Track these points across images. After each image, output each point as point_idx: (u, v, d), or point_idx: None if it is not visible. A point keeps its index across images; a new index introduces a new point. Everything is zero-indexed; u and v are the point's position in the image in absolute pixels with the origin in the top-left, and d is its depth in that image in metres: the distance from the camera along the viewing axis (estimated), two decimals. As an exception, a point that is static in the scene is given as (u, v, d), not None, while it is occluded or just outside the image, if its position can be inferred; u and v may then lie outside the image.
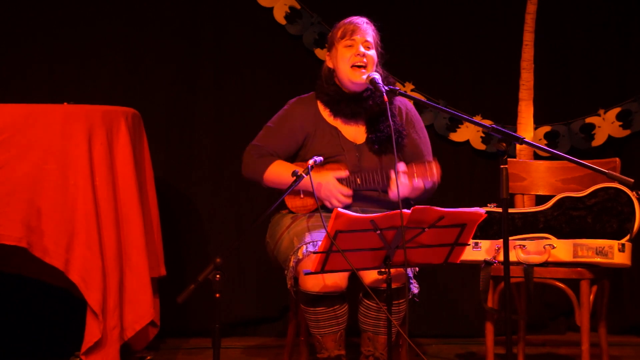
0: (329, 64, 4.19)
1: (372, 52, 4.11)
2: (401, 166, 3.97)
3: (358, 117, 4.17)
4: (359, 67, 4.07)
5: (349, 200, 4.05)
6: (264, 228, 4.25)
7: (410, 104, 4.27)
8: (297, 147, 4.18)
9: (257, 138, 4.22)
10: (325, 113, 4.19)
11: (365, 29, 4.13)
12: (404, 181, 3.95)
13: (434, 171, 3.96)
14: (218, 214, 5.39)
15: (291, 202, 4.13)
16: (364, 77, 4.04)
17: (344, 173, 4.07)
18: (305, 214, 4.10)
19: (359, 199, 4.11)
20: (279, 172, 4.12)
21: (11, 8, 5.26)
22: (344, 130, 4.17)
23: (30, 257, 4.16)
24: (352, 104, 4.14)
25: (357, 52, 4.08)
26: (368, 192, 4.12)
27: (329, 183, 4.04)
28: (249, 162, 4.19)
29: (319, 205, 3.94)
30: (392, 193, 3.99)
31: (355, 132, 4.17)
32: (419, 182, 4.01)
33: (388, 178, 4.01)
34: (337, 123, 4.18)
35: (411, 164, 3.98)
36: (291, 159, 4.19)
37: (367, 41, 4.11)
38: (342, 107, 4.15)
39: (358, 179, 4.06)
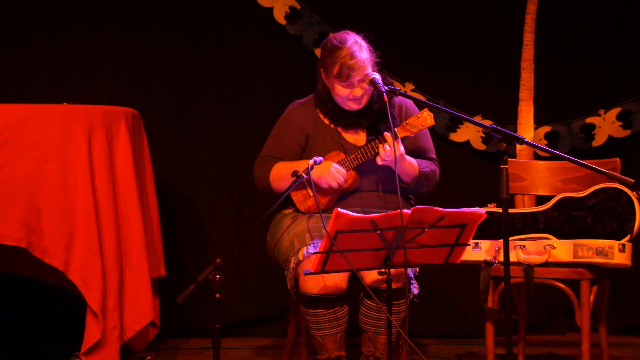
0: (324, 80, 4.10)
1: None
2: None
3: (358, 126, 4.15)
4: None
5: (341, 178, 4.00)
6: (265, 228, 4.25)
7: (409, 101, 4.24)
8: (302, 150, 4.17)
9: (262, 149, 4.22)
10: (325, 119, 4.18)
11: (362, 66, 3.95)
12: (398, 147, 3.91)
13: (425, 115, 3.95)
14: (218, 214, 5.38)
15: (303, 205, 4.11)
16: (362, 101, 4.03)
17: (343, 156, 4.06)
18: (306, 213, 4.10)
19: (359, 199, 4.11)
20: (279, 171, 4.11)
21: (11, 8, 5.25)
22: (345, 134, 4.16)
23: (30, 257, 4.16)
24: (351, 116, 4.12)
25: (353, 96, 4.01)
26: (368, 193, 4.12)
27: (325, 170, 4.00)
28: (257, 174, 4.18)
29: (317, 203, 3.94)
30: (380, 158, 3.94)
31: (355, 137, 4.16)
32: (412, 162, 4.02)
33: (384, 140, 3.97)
34: (337, 127, 4.17)
35: (403, 121, 3.98)
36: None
37: (365, 75, 3.97)
38: (341, 118, 4.13)
39: (359, 154, 4.03)
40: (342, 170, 4.01)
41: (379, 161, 3.95)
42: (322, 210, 4.00)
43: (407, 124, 3.97)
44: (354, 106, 4.07)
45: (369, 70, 3.99)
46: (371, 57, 4.03)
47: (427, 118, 3.97)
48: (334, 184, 4.00)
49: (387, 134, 3.93)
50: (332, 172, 3.99)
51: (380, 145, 3.95)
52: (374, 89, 3.99)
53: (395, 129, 3.95)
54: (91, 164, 4.20)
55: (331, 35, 4.11)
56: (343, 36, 4.04)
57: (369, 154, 4.01)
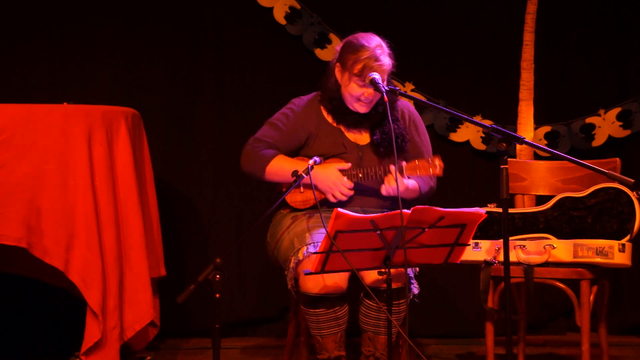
0: (337, 76, 4.12)
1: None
2: (404, 163, 3.97)
3: (361, 126, 4.16)
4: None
5: (350, 193, 4.04)
6: (265, 228, 4.25)
7: (411, 106, 4.26)
8: (299, 145, 4.17)
9: (258, 132, 4.21)
10: (328, 117, 4.18)
11: (383, 70, 4.00)
12: (402, 180, 3.94)
13: (437, 163, 3.96)
14: (218, 214, 5.39)
15: (291, 197, 4.12)
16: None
17: (347, 165, 4.07)
18: (306, 214, 4.10)
19: (359, 199, 4.11)
20: (280, 166, 4.11)
21: (11, 8, 5.25)
22: (347, 133, 4.16)
23: (30, 257, 4.16)
24: (356, 116, 4.12)
25: (365, 98, 4.03)
26: (368, 193, 4.12)
27: (332, 174, 4.03)
28: (250, 156, 4.16)
29: (317, 202, 3.94)
30: (384, 189, 3.98)
31: (357, 135, 4.16)
32: (417, 179, 4.04)
33: (389, 172, 4.00)
34: (340, 126, 4.17)
35: (414, 160, 3.98)
36: (292, 155, 4.17)
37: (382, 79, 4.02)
38: (345, 117, 4.14)
39: (360, 173, 4.05)
40: (347, 184, 4.04)
41: (382, 191, 3.97)
42: (311, 206, 4.04)
43: (416, 164, 3.98)
44: (360, 109, 4.08)
45: (386, 75, 4.03)
46: (390, 63, 4.06)
47: (437, 167, 3.96)
48: (338, 195, 4.03)
49: (392, 167, 3.95)
50: (335, 182, 4.01)
51: (386, 178, 3.96)
52: (374, 88, 4.00)
53: (404, 165, 3.95)
54: (91, 164, 4.20)
55: (356, 34, 4.14)
56: (369, 36, 4.08)
57: (369, 179, 4.04)
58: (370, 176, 4.06)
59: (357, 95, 4.05)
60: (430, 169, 3.97)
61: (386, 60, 4.03)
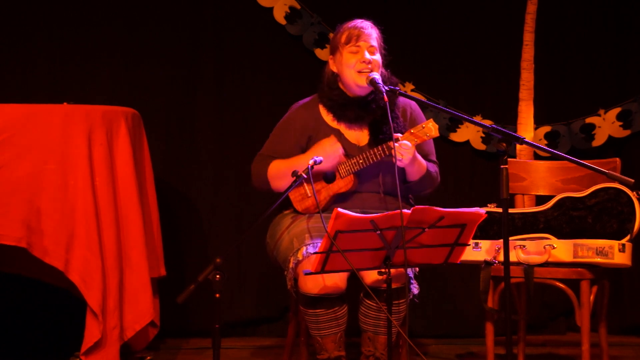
0: (332, 68, 4.16)
1: (377, 57, 4.09)
2: (399, 135, 3.96)
3: (361, 122, 4.15)
4: (365, 72, 4.06)
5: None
6: (265, 228, 4.25)
7: (414, 104, 4.26)
8: (302, 151, 4.17)
9: (262, 148, 4.22)
10: (328, 117, 4.18)
11: (370, 33, 4.10)
12: (406, 144, 3.92)
13: (430, 126, 3.96)
14: (218, 214, 5.39)
15: (300, 204, 4.11)
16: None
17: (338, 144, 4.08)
18: (306, 214, 4.10)
19: (359, 199, 4.11)
20: (278, 167, 4.11)
21: (11, 8, 5.25)
22: (347, 133, 4.16)
23: (30, 257, 4.16)
24: (356, 108, 4.12)
25: (362, 59, 4.05)
26: (368, 194, 4.12)
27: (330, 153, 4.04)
28: (254, 171, 4.18)
29: (319, 209, 3.94)
30: (399, 161, 3.93)
31: (358, 135, 4.16)
32: (422, 160, 4.04)
33: (389, 148, 3.98)
34: (339, 126, 4.17)
35: (408, 130, 3.98)
36: None
37: (372, 46, 4.08)
38: (346, 112, 4.13)
39: (360, 159, 4.03)
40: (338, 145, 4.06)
41: (396, 162, 3.91)
42: (320, 210, 4.01)
43: (411, 133, 3.97)
44: (362, 81, 4.04)
45: (376, 43, 4.09)
46: (379, 39, 4.13)
47: (431, 129, 3.96)
48: (334, 162, 4.04)
49: (397, 135, 3.93)
50: (334, 150, 4.02)
51: (397, 147, 3.92)
52: (373, 88, 4.00)
53: (400, 135, 3.95)
54: (91, 164, 4.21)
55: None
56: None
57: (371, 160, 4.00)
58: (370, 158, 4.02)
59: (353, 65, 4.06)
60: (427, 133, 3.96)
61: (371, 30, 4.11)
